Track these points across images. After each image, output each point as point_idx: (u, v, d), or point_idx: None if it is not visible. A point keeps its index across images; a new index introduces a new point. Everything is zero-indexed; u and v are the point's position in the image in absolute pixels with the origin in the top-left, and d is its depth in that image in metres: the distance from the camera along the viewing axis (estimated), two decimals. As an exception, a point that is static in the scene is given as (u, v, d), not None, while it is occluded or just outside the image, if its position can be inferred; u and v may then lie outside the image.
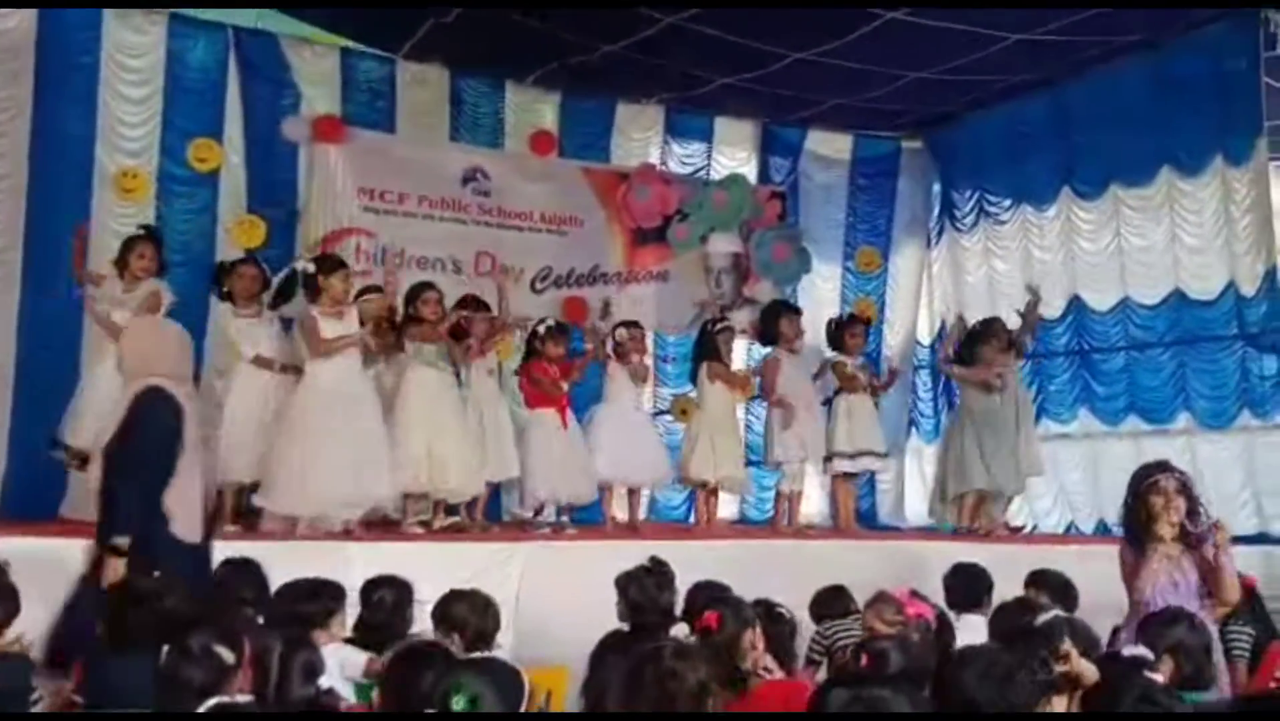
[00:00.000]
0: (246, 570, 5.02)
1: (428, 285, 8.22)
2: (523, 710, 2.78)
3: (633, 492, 9.11)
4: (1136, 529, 5.32)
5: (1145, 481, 5.31)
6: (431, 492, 7.90)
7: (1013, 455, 9.32)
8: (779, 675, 4.21)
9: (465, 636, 4.52)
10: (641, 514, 9.48)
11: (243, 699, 3.07)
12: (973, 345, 9.53)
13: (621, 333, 9.01)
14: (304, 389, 7.37)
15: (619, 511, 9.01)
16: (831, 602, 5.87)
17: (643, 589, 5.00)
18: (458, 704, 2.66)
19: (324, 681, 3.47)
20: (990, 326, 9.61)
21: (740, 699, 3.89)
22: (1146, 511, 5.25)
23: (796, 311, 9.74)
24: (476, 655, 2.91)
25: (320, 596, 4.66)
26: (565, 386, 8.59)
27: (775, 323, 9.46)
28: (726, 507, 10.27)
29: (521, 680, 2.80)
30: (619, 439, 8.79)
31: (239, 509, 7.59)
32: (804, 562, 7.54)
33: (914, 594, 4.45)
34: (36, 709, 4.03)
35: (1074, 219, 10.63)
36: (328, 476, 7.11)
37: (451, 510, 8.09)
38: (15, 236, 8.43)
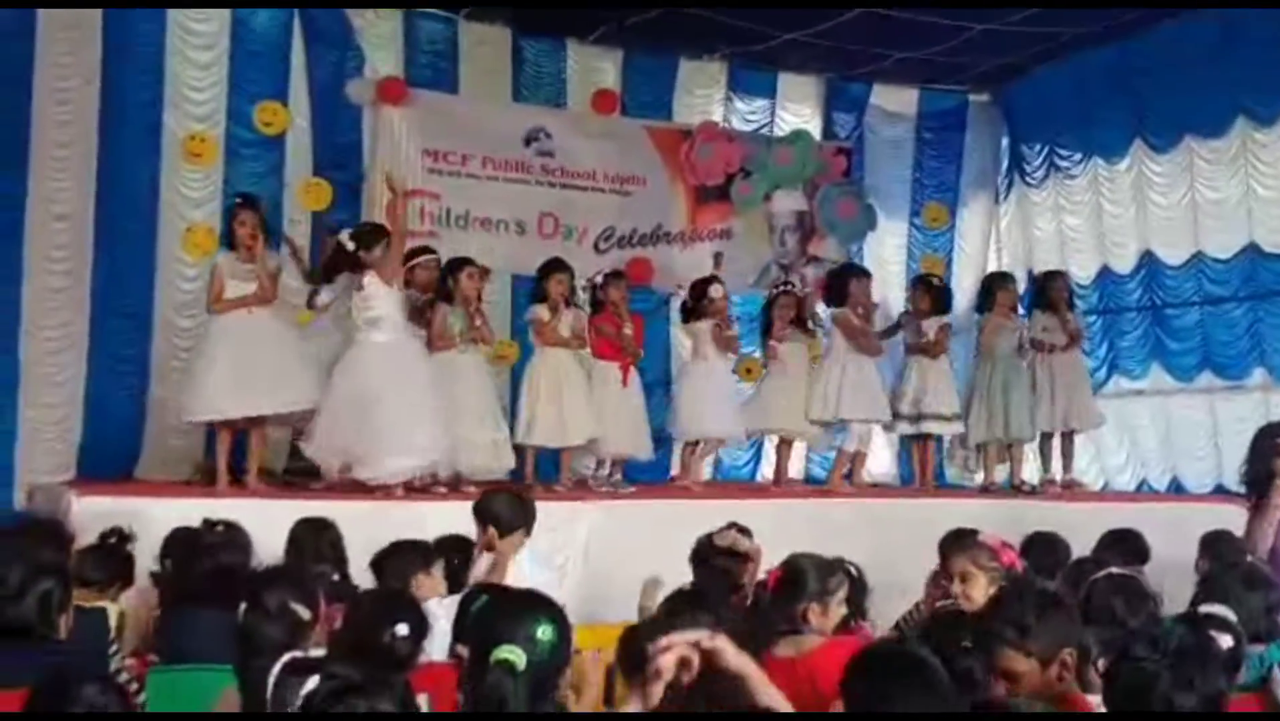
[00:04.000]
0: (322, 529, 5.14)
1: (468, 260, 8.19)
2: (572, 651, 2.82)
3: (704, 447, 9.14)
4: (1257, 486, 5.22)
5: (1269, 440, 5.22)
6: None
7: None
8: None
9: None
10: (706, 473, 9.55)
11: (316, 652, 3.13)
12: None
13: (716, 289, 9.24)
14: (355, 354, 7.47)
15: (687, 472, 9.13)
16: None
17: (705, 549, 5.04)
18: (543, 635, 2.70)
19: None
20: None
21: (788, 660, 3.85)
22: (1267, 470, 5.15)
23: (866, 274, 9.71)
24: (533, 592, 2.93)
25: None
26: (629, 332, 8.70)
27: (845, 284, 9.43)
28: (792, 467, 10.22)
29: (567, 617, 2.83)
30: (697, 393, 8.99)
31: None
32: (863, 521, 7.57)
33: (1004, 544, 4.42)
34: (114, 660, 4.16)
35: (1146, 172, 10.44)
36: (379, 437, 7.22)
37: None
38: (86, 203, 8.50)
